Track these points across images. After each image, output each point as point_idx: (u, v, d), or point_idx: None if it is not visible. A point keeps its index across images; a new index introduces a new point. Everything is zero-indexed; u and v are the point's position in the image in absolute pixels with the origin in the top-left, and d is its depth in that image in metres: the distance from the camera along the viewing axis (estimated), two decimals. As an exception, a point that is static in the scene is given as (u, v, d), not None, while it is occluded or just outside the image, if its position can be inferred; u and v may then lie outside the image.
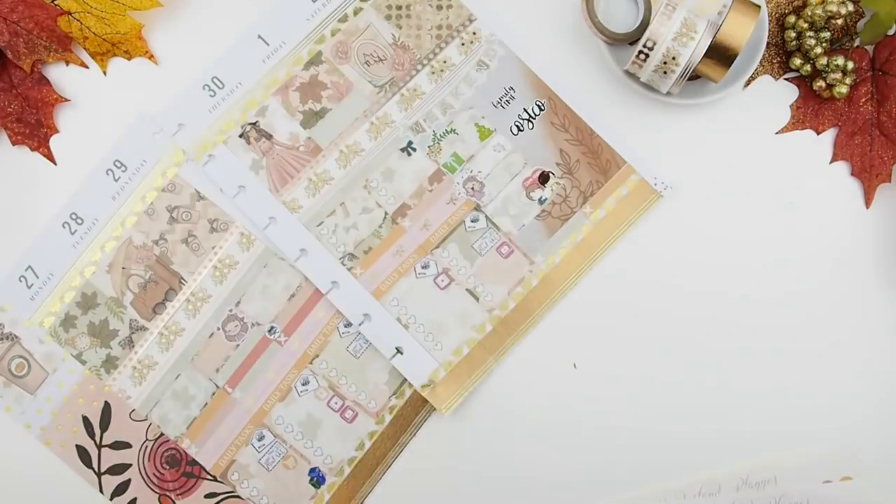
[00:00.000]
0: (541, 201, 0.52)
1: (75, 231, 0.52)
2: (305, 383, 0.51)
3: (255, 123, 0.53)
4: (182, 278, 0.52)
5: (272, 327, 0.52)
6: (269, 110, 0.53)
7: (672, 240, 0.53)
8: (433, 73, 0.53)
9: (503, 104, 0.53)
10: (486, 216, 0.52)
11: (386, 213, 0.52)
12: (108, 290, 0.52)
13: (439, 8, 0.53)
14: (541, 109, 0.53)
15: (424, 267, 0.52)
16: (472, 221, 0.52)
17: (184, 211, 0.52)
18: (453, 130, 0.53)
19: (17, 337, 0.52)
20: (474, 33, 0.53)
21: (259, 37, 0.53)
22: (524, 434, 0.52)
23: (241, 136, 0.53)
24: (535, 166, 0.52)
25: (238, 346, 0.52)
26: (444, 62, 0.53)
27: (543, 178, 0.52)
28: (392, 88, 0.53)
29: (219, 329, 0.52)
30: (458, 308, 0.51)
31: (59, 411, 0.51)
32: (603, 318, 0.52)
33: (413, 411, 0.51)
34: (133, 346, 0.52)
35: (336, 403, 0.51)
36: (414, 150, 0.52)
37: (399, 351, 0.51)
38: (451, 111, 0.53)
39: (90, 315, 0.52)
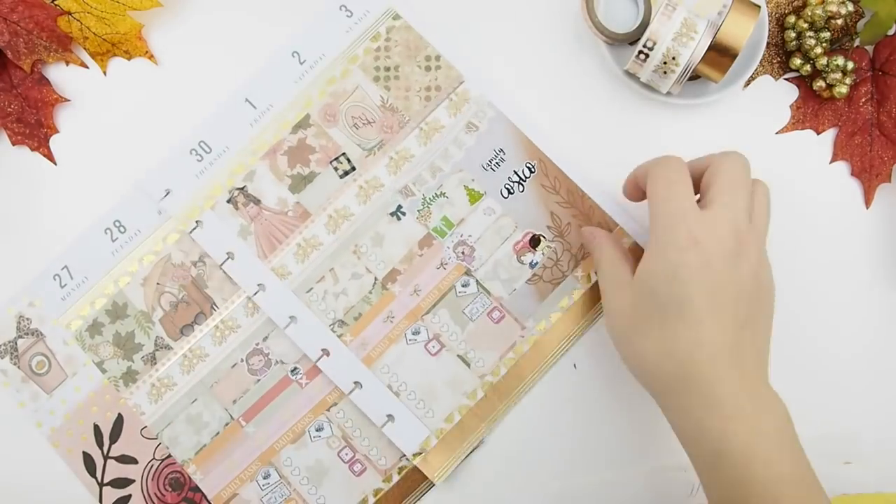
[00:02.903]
0: (532, 265, 0.52)
1: (116, 239, 0.52)
2: (319, 429, 0.51)
3: (242, 188, 0.52)
4: (214, 304, 0.52)
5: (295, 368, 0.51)
6: (256, 175, 0.52)
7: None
8: (422, 135, 0.52)
9: (493, 166, 0.52)
10: (477, 281, 0.52)
11: (376, 279, 0.52)
12: (140, 303, 0.52)
13: (428, 69, 0.53)
14: (531, 171, 0.52)
15: (415, 333, 0.51)
16: (462, 286, 0.52)
17: None
18: (443, 194, 0.52)
19: (42, 334, 0.52)
20: (464, 94, 0.52)
21: (246, 100, 0.53)
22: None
23: (228, 201, 0.52)
24: (525, 229, 0.52)
25: (259, 381, 0.51)
26: (434, 124, 0.52)
27: (535, 242, 0.52)
28: (381, 151, 0.52)
29: (242, 361, 0.51)
30: (450, 374, 0.51)
31: (72, 415, 0.51)
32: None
33: (421, 476, 0.51)
34: (155, 364, 0.52)
35: (346, 454, 0.51)
36: (403, 214, 0.52)
37: (390, 418, 0.51)
38: (441, 174, 0.52)
39: (118, 325, 0.52)
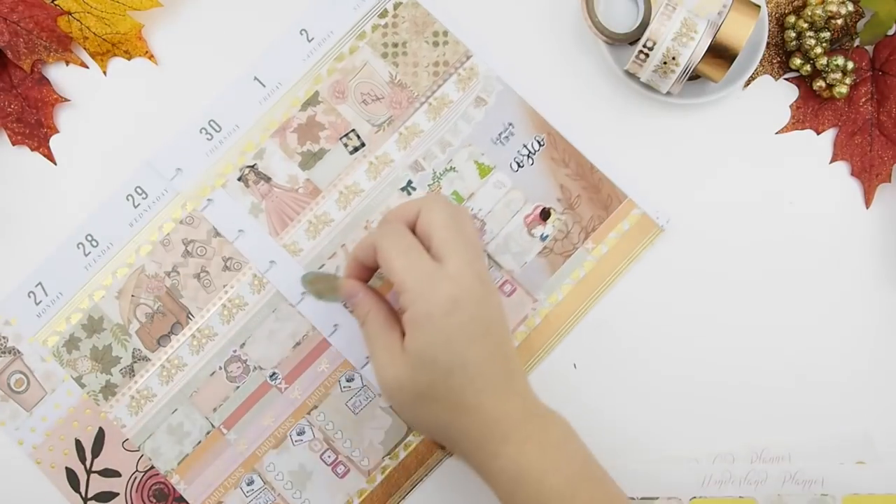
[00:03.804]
0: (542, 238, 0.52)
1: (89, 253, 0.52)
2: (301, 433, 0.51)
3: (253, 166, 0.52)
4: (190, 313, 0.52)
5: (274, 373, 0.51)
6: (267, 152, 0.52)
7: (672, 240, 0.52)
8: (431, 110, 0.52)
9: (502, 140, 0.52)
10: (489, 254, 0.52)
11: (387, 254, 0.52)
12: (116, 316, 0.52)
13: (436, 44, 0.53)
14: (540, 145, 0.52)
15: (427, 307, 0.51)
16: (473, 260, 0.52)
17: (199, 246, 0.52)
18: (453, 168, 0.52)
19: (19, 352, 0.52)
20: (472, 69, 0.53)
21: (255, 78, 0.53)
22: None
23: (239, 179, 0.52)
24: (535, 203, 0.52)
25: (238, 387, 0.51)
26: (442, 99, 0.52)
27: (545, 215, 0.52)
28: (390, 127, 0.52)
29: (220, 368, 0.52)
30: (462, 348, 0.51)
31: (53, 432, 0.51)
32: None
33: (405, 475, 0.51)
34: (133, 376, 0.51)
35: (329, 457, 0.51)
36: (414, 189, 0.52)
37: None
38: (450, 149, 0.52)
39: (94, 339, 0.52)
